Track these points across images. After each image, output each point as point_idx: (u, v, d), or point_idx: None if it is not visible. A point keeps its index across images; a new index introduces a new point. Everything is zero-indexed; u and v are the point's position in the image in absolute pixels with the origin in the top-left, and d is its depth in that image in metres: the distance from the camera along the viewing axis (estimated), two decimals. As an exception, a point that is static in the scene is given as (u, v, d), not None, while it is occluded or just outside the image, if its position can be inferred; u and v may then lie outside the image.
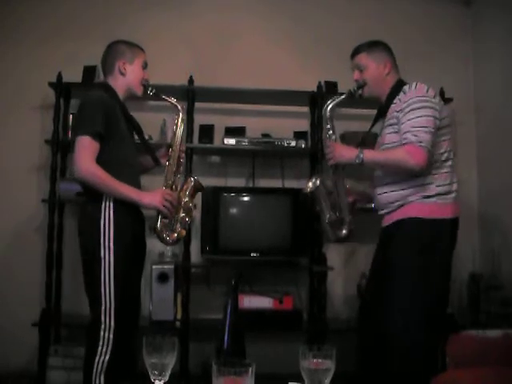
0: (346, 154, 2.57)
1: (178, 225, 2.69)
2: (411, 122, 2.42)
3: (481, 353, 2.28)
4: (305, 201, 3.59)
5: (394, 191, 2.55)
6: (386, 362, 2.48)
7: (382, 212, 2.65)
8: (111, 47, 2.69)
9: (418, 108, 2.43)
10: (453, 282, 3.75)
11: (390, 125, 2.57)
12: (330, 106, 2.66)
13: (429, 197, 2.48)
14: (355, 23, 4.12)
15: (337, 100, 2.67)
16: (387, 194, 2.59)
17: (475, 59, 4.26)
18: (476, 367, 2.18)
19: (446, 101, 3.89)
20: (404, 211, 2.52)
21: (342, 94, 2.73)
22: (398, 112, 2.51)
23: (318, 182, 2.70)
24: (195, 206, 2.84)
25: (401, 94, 2.54)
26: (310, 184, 2.71)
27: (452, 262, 2.56)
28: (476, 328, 2.89)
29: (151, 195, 2.56)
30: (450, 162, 2.55)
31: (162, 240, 2.68)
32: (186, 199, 2.73)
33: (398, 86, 2.59)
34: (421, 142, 2.38)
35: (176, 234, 2.69)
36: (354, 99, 2.71)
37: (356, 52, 2.69)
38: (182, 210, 2.70)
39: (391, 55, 2.69)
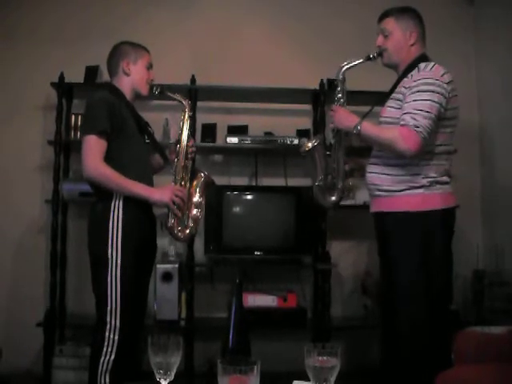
0: (345, 121, 2.48)
1: (190, 221, 2.66)
2: (415, 104, 2.32)
3: (485, 349, 2.28)
4: (308, 199, 3.59)
5: (382, 174, 2.48)
6: (399, 360, 2.45)
7: (371, 193, 2.58)
8: (115, 48, 2.69)
9: (426, 91, 2.32)
10: (456, 278, 3.77)
11: (394, 99, 2.48)
12: (345, 68, 2.57)
13: (414, 188, 2.40)
14: (357, 21, 4.11)
15: (353, 63, 2.56)
16: (375, 175, 2.52)
17: (477, 57, 4.25)
18: (481, 364, 2.18)
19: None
20: (390, 203, 2.45)
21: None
22: (406, 88, 2.41)
23: (317, 142, 2.59)
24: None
25: (414, 71, 2.43)
26: (309, 144, 2.60)
27: (451, 254, 2.48)
28: (480, 325, 2.88)
29: (161, 191, 2.54)
30: (444, 156, 2.45)
31: (175, 237, 2.65)
32: (197, 194, 2.70)
33: (418, 61, 2.46)
34: (417, 127, 2.28)
35: (188, 231, 2.65)
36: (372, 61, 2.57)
37: (384, 16, 2.58)
38: (193, 206, 2.68)
39: (420, 25, 2.55)
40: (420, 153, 2.34)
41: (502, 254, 3.74)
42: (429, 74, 2.36)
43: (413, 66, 2.46)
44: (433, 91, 2.32)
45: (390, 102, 2.51)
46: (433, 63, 2.42)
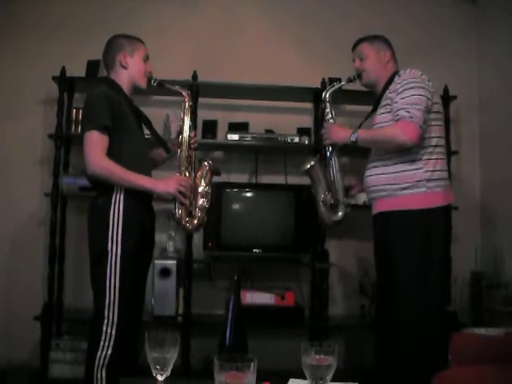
0: (341, 133, 2.68)
1: (198, 210, 2.67)
2: (404, 100, 2.51)
3: (483, 351, 2.28)
4: (307, 197, 3.59)
5: (381, 174, 2.61)
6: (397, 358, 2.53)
7: (371, 196, 2.69)
8: (111, 42, 2.69)
9: (411, 88, 2.53)
10: (455, 280, 3.77)
11: (383, 106, 2.65)
12: (330, 92, 2.81)
13: (417, 185, 2.52)
14: (359, 20, 4.10)
15: (336, 86, 2.82)
16: (374, 177, 2.65)
17: (479, 57, 4.25)
18: (478, 365, 2.18)
19: (450, 98, 3.89)
20: (394, 202, 2.56)
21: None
22: (391, 93, 2.60)
23: (315, 162, 2.77)
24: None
25: (395, 78, 2.65)
26: (307, 165, 2.77)
27: (450, 252, 2.58)
28: (478, 326, 2.89)
29: (166, 182, 2.54)
30: (440, 149, 2.60)
31: (183, 227, 2.66)
32: (203, 184, 2.71)
33: (394, 75, 2.68)
34: (412, 118, 2.46)
35: (196, 220, 2.66)
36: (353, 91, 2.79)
37: (358, 42, 2.80)
38: (199, 195, 2.68)
39: (390, 47, 2.79)
40: (419, 142, 2.49)
41: (500, 255, 3.74)
42: (409, 76, 2.58)
43: (392, 79, 2.67)
44: (417, 87, 2.53)
45: (379, 110, 2.68)
46: (410, 68, 2.63)
